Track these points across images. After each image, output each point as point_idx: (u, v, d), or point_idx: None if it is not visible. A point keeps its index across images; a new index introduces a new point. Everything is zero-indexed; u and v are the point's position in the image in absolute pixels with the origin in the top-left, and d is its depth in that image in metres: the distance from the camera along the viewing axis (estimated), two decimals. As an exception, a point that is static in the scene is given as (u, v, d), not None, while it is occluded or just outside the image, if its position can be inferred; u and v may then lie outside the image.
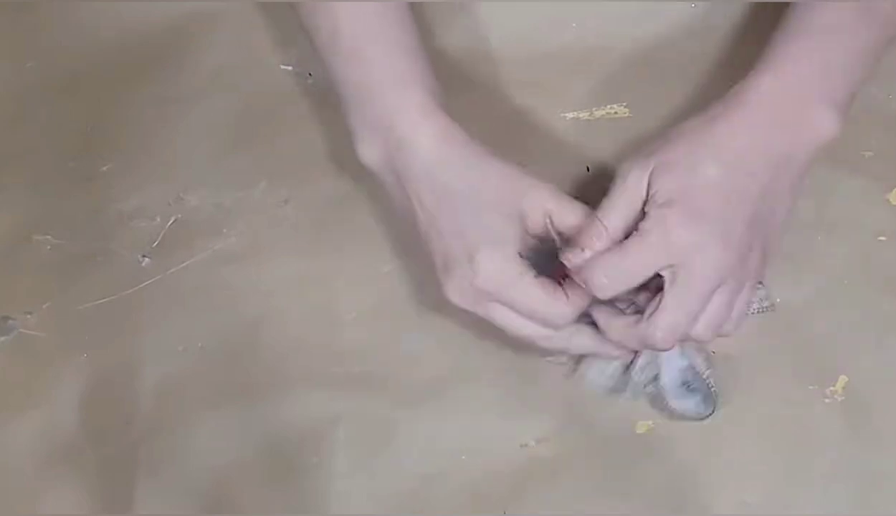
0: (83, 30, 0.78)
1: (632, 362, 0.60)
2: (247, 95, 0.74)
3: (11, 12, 0.79)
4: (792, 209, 0.56)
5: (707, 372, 0.60)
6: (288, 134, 0.73)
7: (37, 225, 0.72)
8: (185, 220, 0.71)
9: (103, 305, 0.69)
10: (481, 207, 0.55)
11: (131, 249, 0.70)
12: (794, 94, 0.54)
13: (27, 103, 0.77)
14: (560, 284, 0.56)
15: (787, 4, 0.57)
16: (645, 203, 0.53)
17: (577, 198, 0.59)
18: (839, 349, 0.62)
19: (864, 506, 0.59)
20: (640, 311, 0.55)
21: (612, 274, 0.52)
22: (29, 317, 0.69)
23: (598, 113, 0.70)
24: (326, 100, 0.73)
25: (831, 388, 0.61)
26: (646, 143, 0.56)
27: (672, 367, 0.60)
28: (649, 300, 0.55)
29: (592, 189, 0.67)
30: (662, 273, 0.53)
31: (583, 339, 0.58)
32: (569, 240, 0.56)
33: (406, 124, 0.56)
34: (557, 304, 0.55)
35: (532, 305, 0.55)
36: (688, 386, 0.60)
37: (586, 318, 0.57)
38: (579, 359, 0.62)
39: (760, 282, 0.59)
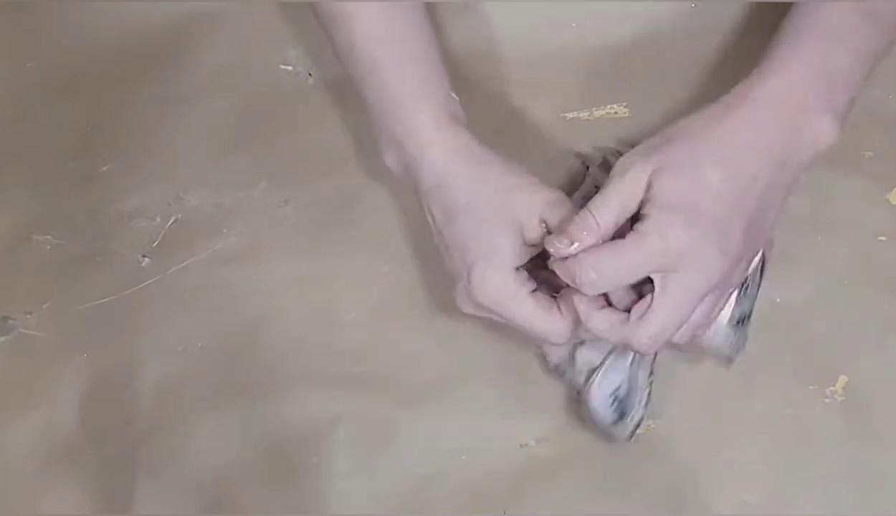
0: (83, 30, 0.78)
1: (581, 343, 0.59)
2: (247, 95, 0.74)
3: (11, 12, 0.79)
4: (782, 209, 0.56)
5: (645, 390, 0.59)
6: (288, 134, 0.73)
7: (37, 225, 0.72)
8: (185, 220, 0.71)
9: (103, 305, 0.69)
10: (480, 223, 0.55)
11: (131, 249, 0.70)
12: (795, 98, 0.53)
13: (27, 103, 0.77)
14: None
15: (789, 4, 0.57)
16: (641, 202, 0.52)
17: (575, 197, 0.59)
18: (839, 349, 0.62)
19: (864, 506, 0.59)
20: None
21: (603, 271, 0.51)
22: (29, 317, 0.69)
23: (598, 113, 0.70)
24: (326, 99, 0.73)
25: (831, 388, 0.61)
26: (644, 140, 0.55)
27: (611, 379, 0.59)
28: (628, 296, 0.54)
29: (592, 189, 0.68)
30: (653, 276, 0.52)
31: None
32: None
33: (415, 142, 0.57)
34: (553, 321, 0.54)
35: (528, 321, 0.55)
36: (615, 401, 0.59)
37: None
38: None
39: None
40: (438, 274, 0.60)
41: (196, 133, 0.74)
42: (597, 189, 0.54)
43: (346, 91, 0.72)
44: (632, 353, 0.59)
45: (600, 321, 0.53)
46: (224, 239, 0.70)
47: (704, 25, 0.71)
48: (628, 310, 0.53)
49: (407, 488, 0.62)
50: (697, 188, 0.51)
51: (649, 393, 0.60)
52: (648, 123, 0.68)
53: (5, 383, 0.68)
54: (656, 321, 0.52)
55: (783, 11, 0.57)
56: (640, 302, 0.52)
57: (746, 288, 0.57)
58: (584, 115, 0.70)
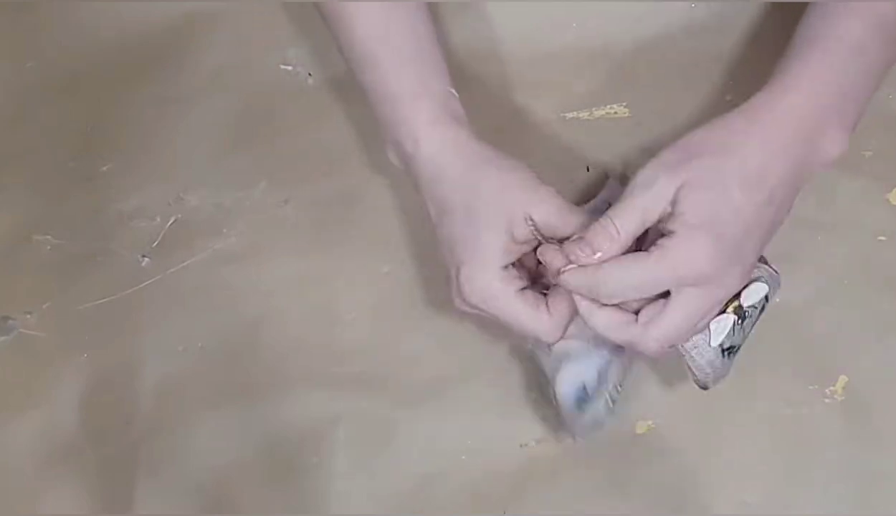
0: (83, 30, 0.78)
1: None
2: (247, 95, 0.74)
3: (11, 12, 0.79)
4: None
5: (611, 396, 0.58)
6: (288, 134, 0.73)
7: (37, 225, 0.72)
8: (185, 220, 0.71)
9: (103, 305, 0.69)
10: (470, 221, 0.55)
11: (131, 249, 0.70)
12: (814, 114, 0.53)
13: (27, 103, 0.76)
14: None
15: (790, 4, 0.57)
16: (665, 216, 0.52)
17: (577, 198, 0.59)
18: (839, 349, 0.62)
19: (864, 506, 0.59)
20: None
21: (628, 283, 0.51)
22: (29, 317, 0.69)
23: (598, 113, 0.70)
24: (326, 100, 0.73)
25: (831, 388, 0.61)
26: (663, 148, 0.53)
27: (580, 370, 0.58)
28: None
29: (592, 189, 0.68)
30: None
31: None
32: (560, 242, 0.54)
33: (413, 138, 0.57)
34: (541, 320, 0.54)
35: (514, 320, 0.55)
36: (580, 400, 0.58)
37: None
38: None
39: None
40: (439, 274, 0.60)
41: (196, 133, 0.74)
42: (609, 205, 0.53)
43: (346, 91, 0.72)
44: (607, 353, 0.58)
45: (603, 319, 0.53)
46: (224, 239, 0.70)
47: (704, 25, 0.71)
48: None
49: (407, 488, 0.62)
50: (724, 207, 0.51)
51: (614, 402, 0.59)
52: (648, 123, 0.68)
53: (5, 383, 0.68)
54: (666, 327, 0.52)
55: (783, 12, 0.57)
56: (651, 306, 0.52)
57: (744, 319, 0.56)
58: (584, 114, 0.70)
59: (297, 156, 0.72)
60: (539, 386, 0.63)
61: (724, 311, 0.55)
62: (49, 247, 0.71)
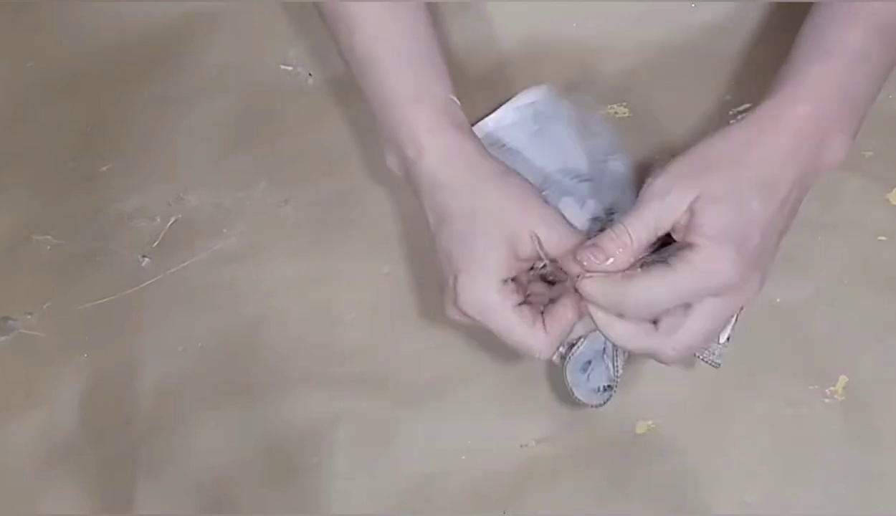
0: (83, 30, 0.78)
1: None
2: (247, 95, 0.74)
3: (11, 12, 0.79)
4: None
5: (615, 374, 0.59)
6: (288, 134, 0.73)
7: (37, 225, 0.72)
8: (185, 220, 0.71)
9: (103, 305, 0.69)
10: (471, 232, 0.54)
11: (131, 249, 0.70)
12: (823, 123, 0.54)
13: (27, 103, 0.76)
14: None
15: (789, 5, 0.57)
16: (682, 227, 0.52)
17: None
18: (839, 349, 0.62)
19: (864, 506, 0.59)
20: None
21: (654, 295, 0.51)
22: (29, 317, 0.69)
23: (598, 113, 0.70)
24: (326, 100, 0.73)
25: (831, 388, 0.61)
26: (676, 160, 0.54)
27: (586, 353, 0.59)
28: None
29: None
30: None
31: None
32: (557, 264, 0.54)
33: (413, 144, 0.57)
34: (535, 337, 0.54)
35: (509, 334, 0.54)
36: (586, 363, 0.60)
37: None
38: None
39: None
40: (438, 274, 0.59)
41: (196, 133, 0.74)
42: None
43: (346, 91, 0.72)
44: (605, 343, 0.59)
45: (621, 330, 0.53)
46: (224, 239, 0.70)
47: (705, 26, 0.70)
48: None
49: (407, 488, 0.62)
50: (743, 218, 0.52)
51: (619, 370, 0.59)
52: (648, 123, 0.68)
53: (5, 383, 0.68)
54: (688, 337, 0.52)
55: (784, 12, 0.57)
56: (671, 315, 0.52)
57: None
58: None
59: (297, 156, 0.72)
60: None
61: None
62: (49, 247, 0.71)
